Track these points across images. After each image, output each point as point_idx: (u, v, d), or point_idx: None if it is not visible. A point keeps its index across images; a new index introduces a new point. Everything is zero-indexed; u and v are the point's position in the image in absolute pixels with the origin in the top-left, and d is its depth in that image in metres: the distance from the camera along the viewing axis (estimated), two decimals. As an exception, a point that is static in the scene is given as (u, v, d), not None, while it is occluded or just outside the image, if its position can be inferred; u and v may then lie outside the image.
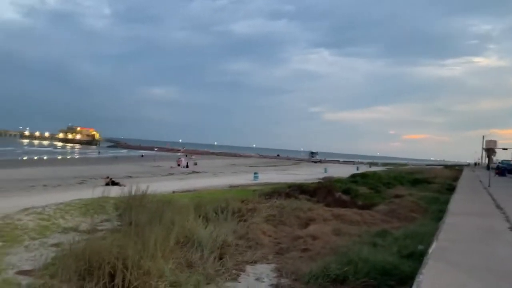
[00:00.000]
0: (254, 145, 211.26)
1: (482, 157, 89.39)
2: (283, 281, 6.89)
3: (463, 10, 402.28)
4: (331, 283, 6.51)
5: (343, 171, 45.03)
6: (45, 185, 23.62)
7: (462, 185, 26.02)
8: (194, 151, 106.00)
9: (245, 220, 11.15)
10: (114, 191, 13.08)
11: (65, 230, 9.38)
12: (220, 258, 7.54)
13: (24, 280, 5.90)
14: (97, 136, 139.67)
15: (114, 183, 22.22)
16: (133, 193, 11.89)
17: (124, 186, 16.72)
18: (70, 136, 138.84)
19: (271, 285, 6.73)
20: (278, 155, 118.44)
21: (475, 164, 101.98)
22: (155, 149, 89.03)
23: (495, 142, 70.43)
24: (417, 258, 6.87)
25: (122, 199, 12.10)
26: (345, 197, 19.60)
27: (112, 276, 5.54)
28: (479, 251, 6.60)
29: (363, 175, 32.48)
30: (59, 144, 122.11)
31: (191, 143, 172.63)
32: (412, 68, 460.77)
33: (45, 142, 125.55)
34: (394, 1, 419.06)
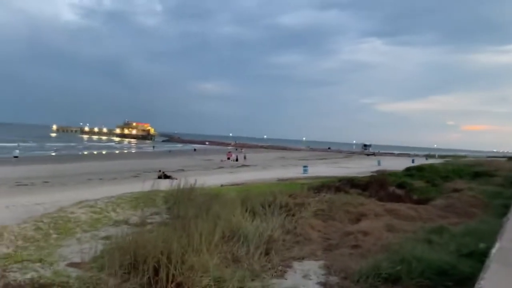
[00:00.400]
0: (304, 138, 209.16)
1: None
2: (332, 279, 6.56)
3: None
4: (382, 283, 6.11)
5: (398, 164, 43.19)
6: (101, 179, 24.70)
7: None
8: (244, 145, 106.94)
9: (293, 215, 10.90)
10: (164, 184, 13.32)
11: (116, 223, 9.67)
12: (266, 254, 7.33)
13: (74, 272, 6.06)
14: (152, 131, 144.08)
15: (166, 176, 22.86)
16: (181, 186, 12.05)
17: (176, 179, 17.06)
18: (126, 131, 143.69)
19: (318, 282, 6.43)
20: (329, 148, 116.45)
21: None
22: (207, 142, 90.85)
23: None
24: (478, 257, 6.26)
25: (171, 192, 12.31)
26: (399, 191, 18.75)
27: (156, 271, 5.54)
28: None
29: (419, 168, 30.88)
30: (117, 139, 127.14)
31: (241, 137, 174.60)
32: (473, 55, 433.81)
33: (104, 137, 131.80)
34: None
